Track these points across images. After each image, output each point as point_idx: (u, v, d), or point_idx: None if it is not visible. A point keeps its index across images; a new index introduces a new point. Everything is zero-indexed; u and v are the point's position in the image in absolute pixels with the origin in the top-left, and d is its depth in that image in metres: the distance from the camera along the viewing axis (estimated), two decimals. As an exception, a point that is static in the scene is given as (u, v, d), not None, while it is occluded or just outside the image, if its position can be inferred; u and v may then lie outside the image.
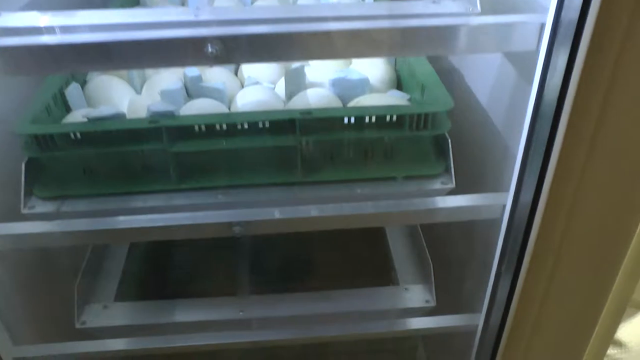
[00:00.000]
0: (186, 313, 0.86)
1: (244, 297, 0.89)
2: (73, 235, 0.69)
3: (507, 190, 0.70)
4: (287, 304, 0.87)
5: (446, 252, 0.93)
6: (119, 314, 0.86)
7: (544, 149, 0.63)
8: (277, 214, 0.69)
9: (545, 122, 0.60)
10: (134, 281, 0.94)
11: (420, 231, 0.92)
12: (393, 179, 0.74)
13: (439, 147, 0.76)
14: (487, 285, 0.79)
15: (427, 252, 0.89)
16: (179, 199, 0.72)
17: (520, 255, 0.72)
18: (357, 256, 0.99)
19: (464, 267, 0.88)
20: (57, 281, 0.90)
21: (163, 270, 0.97)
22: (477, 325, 0.84)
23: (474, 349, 0.87)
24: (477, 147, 0.83)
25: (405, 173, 0.74)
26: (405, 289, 0.90)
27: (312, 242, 0.99)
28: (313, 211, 0.69)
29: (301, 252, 0.99)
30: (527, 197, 0.67)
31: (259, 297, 0.88)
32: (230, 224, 0.69)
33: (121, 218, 0.68)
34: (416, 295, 0.89)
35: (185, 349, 0.82)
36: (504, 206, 0.71)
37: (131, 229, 0.68)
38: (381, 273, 0.94)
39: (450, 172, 0.74)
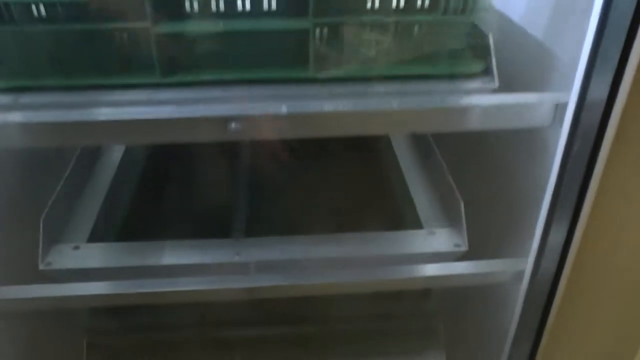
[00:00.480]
0: (172, 255, 0.72)
1: (240, 239, 0.75)
2: (32, 131, 0.56)
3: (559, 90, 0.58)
4: (289, 247, 0.74)
5: (476, 186, 0.80)
6: (93, 255, 0.73)
7: (620, 44, 0.51)
8: (284, 108, 0.57)
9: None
10: (114, 220, 0.80)
11: (444, 165, 0.79)
12: (423, 78, 0.61)
13: (477, 45, 0.63)
14: (534, 221, 0.66)
15: (454, 188, 0.76)
16: (164, 95, 0.60)
17: (586, 175, 0.60)
18: (371, 195, 0.85)
19: (500, 202, 0.75)
20: (21, 213, 0.76)
21: (149, 209, 0.83)
22: (521, 273, 0.70)
23: (517, 307, 0.73)
24: (515, 55, 0.71)
25: (438, 70, 0.62)
26: (431, 232, 0.76)
27: (316, 177, 0.86)
28: (327, 106, 0.57)
29: (305, 189, 0.85)
30: (598, 94, 0.55)
31: (258, 240, 0.75)
32: (225, 120, 0.56)
33: (92, 110, 0.55)
34: (443, 238, 0.75)
35: (168, 296, 0.69)
36: (556, 106, 0.58)
37: (103, 123, 0.55)
38: (400, 215, 0.81)
39: (492, 71, 0.61)
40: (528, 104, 0.58)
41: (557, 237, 0.66)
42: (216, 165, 0.83)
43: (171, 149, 0.89)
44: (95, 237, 0.76)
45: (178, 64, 0.60)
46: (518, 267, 0.70)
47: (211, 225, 0.77)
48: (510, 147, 0.71)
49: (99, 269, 0.71)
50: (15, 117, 0.55)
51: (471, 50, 0.63)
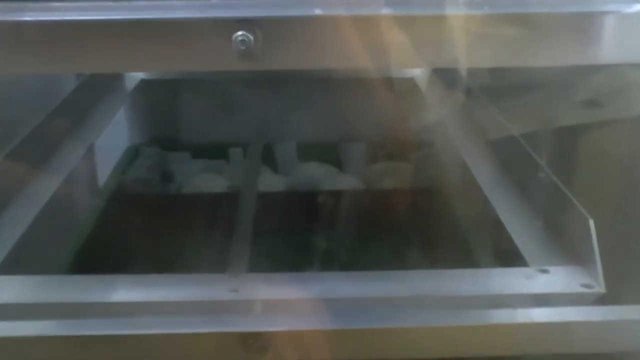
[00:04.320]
0: (137, 292, 0.48)
1: (239, 274, 0.51)
2: None
3: None
4: (316, 283, 0.49)
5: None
6: (8, 289, 0.49)
7: None
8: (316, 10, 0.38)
9: None
10: (44, 248, 0.56)
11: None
12: None
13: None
14: None
15: (576, 202, 0.51)
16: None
17: None
18: (434, 219, 0.61)
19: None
20: None
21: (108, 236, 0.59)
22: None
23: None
24: None
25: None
26: (542, 270, 0.50)
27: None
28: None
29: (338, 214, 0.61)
30: None
31: (265, 276, 0.51)
32: (230, 26, 0.37)
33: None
34: (563, 277, 0.49)
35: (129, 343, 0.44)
36: None
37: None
38: (490, 250, 0.56)
39: None
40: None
41: None
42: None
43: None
44: (10, 268, 0.53)
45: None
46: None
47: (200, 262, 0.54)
48: None
49: (19, 305, 0.47)
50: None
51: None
